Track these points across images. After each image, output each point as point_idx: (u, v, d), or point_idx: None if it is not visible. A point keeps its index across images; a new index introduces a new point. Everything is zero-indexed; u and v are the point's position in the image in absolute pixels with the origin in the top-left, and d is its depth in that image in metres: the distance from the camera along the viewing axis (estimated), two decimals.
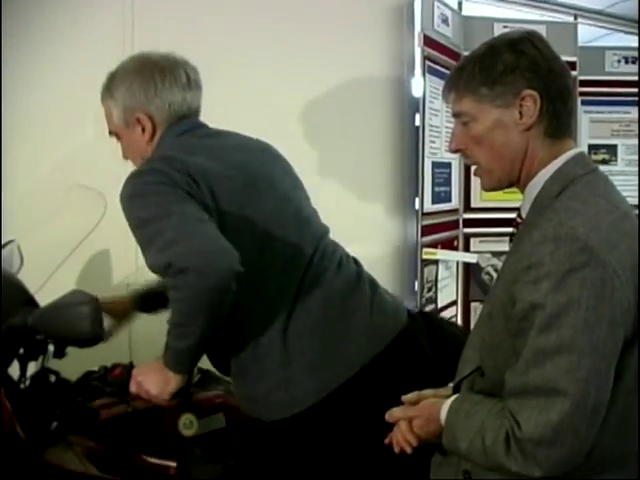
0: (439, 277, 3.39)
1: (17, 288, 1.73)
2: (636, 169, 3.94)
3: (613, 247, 1.19)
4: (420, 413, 1.42)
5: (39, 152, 2.54)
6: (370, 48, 3.19)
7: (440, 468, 1.45)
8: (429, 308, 3.27)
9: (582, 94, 3.89)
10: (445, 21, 3.35)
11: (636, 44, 3.93)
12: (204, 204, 1.63)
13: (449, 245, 3.53)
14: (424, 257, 3.21)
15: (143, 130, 1.80)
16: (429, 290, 3.28)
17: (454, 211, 3.62)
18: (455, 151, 1.42)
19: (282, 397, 1.72)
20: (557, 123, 1.31)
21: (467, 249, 3.64)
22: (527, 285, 1.20)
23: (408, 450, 1.42)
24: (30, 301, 1.74)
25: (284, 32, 2.94)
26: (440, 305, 3.42)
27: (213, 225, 1.59)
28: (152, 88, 1.78)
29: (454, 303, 3.60)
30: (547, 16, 3.97)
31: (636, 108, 3.93)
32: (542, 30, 3.59)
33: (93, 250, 2.53)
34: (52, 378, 1.80)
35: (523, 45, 1.30)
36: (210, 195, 1.65)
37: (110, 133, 1.88)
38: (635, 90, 3.90)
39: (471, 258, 3.50)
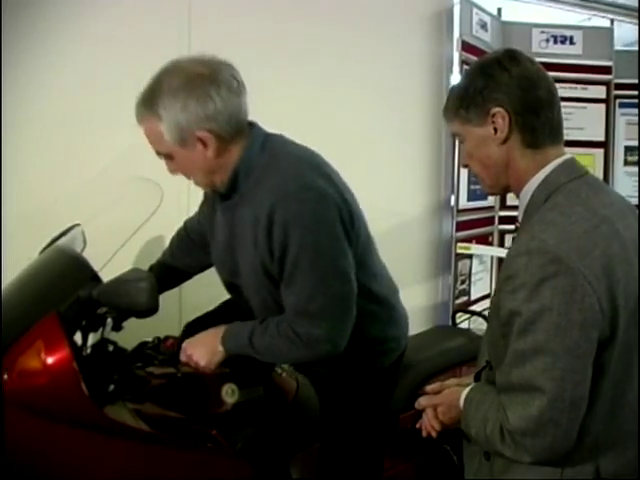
0: (473, 271, 3.56)
1: (83, 265, 1.93)
2: None
3: (585, 254, 1.30)
4: (443, 401, 1.61)
5: (102, 145, 2.74)
6: (411, 53, 3.37)
7: (468, 449, 1.62)
8: (462, 300, 3.43)
9: (618, 97, 4.01)
10: (484, 27, 3.51)
11: None
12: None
13: (484, 240, 3.69)
14: (458, 251, 3.38)
15: (205, 147, 1.72)
16: (462, 283, 3.45)
17: (490, 208, 3.77)
18: (464, 166, 1.60)
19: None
20: (532, 134, 1.43)
21: (502, 245, 3.79)
22: (507, 294, 1.35)
23: (433, 434, 1.62)
24: (95, 277, 1.94)
25: (332, 38, 3.13)
26: (473, 298, 3.58)
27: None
28: (210, 103, 1.68)
29: (487, 296, 3.75)
30: (586, 17, 4.07)
31: None
32: (579, 35, 3.75)
33: (148, 236, 2.72)
34: (110, 347, 2.00)
35: (491, 69, 1.44)
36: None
37: (158, 153, 1.80)
38: None
39: (504, 253, 3.63)
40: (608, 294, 1.31)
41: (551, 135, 1.45)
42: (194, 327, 2.08)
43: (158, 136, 1.73)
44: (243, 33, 2.94)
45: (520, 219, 1.49)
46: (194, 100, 1.67)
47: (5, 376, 1.75)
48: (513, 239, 1.57)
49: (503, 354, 1.38)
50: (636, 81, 4.05)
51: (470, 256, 3.50)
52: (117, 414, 1.87)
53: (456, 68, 3.39)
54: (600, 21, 4.07)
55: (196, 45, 2.77)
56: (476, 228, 3.61)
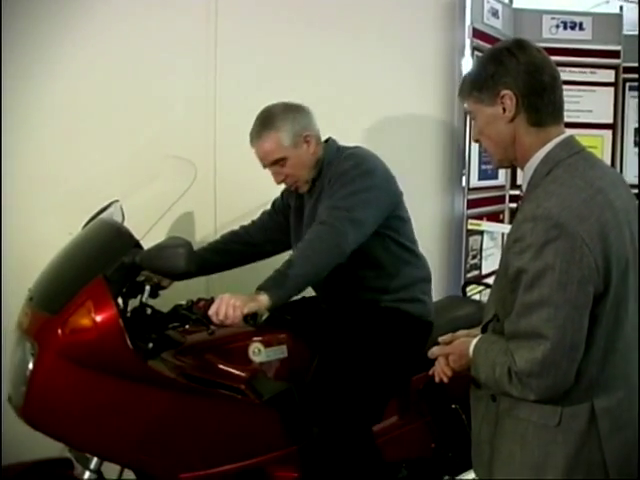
0: (484, 247, 3.73)
1: (127, 234, 2.13)
2: None
3: (583, 220, 1.49)
4: (454, 350, 1.79)
5: (138, 126, 2.91)
6: (425, 38, 3.49)
7: (476, 393, 1.81)
8: (473, 274, 3.62)
9: (627, 80, 4.12)
10: (495, 14, 3.66)
11: None
12: None
13: (495, 218, 3.87)
14: (469, 228, 3.57)
15: (308, 145, 2.43)
16: (474, 257, 3.63)
17: (501, 187, 3.94)
18: (475, 141, 1.80)
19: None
20: (537, 114, 1.63)
21: (512, 222, 3.94)
22: (515, 255, 1.54)
23: (445, 380, 1.81)
24: (137, 244, 2.15)
25: (345, 28, 3.28)
26: (484, 272, 3.76)
27: None
28: (307, 116, 2.46)
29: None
30: (596, 3, 4.20)
31: None
32: (588, 22, 3.90)
33: (180, 212, 2.92)
34: (148, 311, 2.19)
35: (501, 56, 1.64)
36: None
37: (274, 163, 2.42)
38: None
39: None
40: (602, 255, 1.51)
41: (553, 115, 1.65)
42: None
43: (276, 146, 2.40)
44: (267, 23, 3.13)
45: (524, 189, 1.69)
46: (299, 114, 2.44)
47: (59, 331, 1.97)
48: (516, 208, 1.76)
49: (510, 307, 1.57)
50: None
51: (481, 232, 3.68)
52: (157, 368, 2.09)
53: (467, 53, 3.52)
54: (609, 7, 4.19)
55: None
56: (487, 206, 3.78)
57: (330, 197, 2.32)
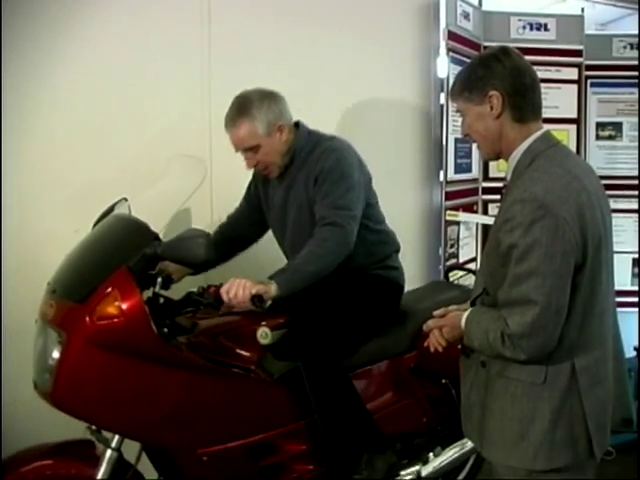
0: (461, 236, 3.95)
1: (145, 228, 2.27)
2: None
3: (564, 202, 1.71)
4: (447, 322, 2.00)
5: (139, 126, 3.04)
6: (402, 41, 3.71)
7: (465, 362, 2.02)
8: (451, 262, 3.83)
9: (589, 77, 4.37)
10: (467, 17, 3.86)
11: None
12: None
13: (470, 209, 4.07)
14: (447, 218, 3.78)
15: (281, 134, 2.56)
16: (452, 247, 3.85)
17: (474, 180, 4.15)
18: (464, 135, 2.01)
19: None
20: (520, 111, 1.86)
21: (485, 213, 4.17)
22: (506, 232, 1.76)
23: (440, 349, 2.00)
24: (156, 237, 2.29)
25: (330, 28, 3.46)
26: (462, 260, 3.98)
27: None
28: (281, 105, 2.58)
29: (474, 259, 4.15)
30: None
31: None
32: (552, 22, 4.14)
33: (177, 209, 3.02)
34: (161, 300, 2.33)
35: (489, 61, 1.87)
36: None
37: (248, 150, 2.54)
38: None
39: (488, 220, 3.96)
40: (580, 232, 1.73)
41: (533, 112, 1.88)
42: None
43: (250, 132, 2.51)
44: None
45: (508, 178, 1.91)
46: (274, 103, 2.56)
47: (87, 319, 2.11)
48: (502, 195, 1.99)
49: (500, 280, 1.79)
50: (604, 62, 4.42)
51: (458, 223, 3.89)
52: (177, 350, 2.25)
53: (443, 53, 3.73)
54: (571, 8, 4.42)
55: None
56: (463, 198, 3.98)
57: (327, 195, 2.50)
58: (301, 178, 2.60)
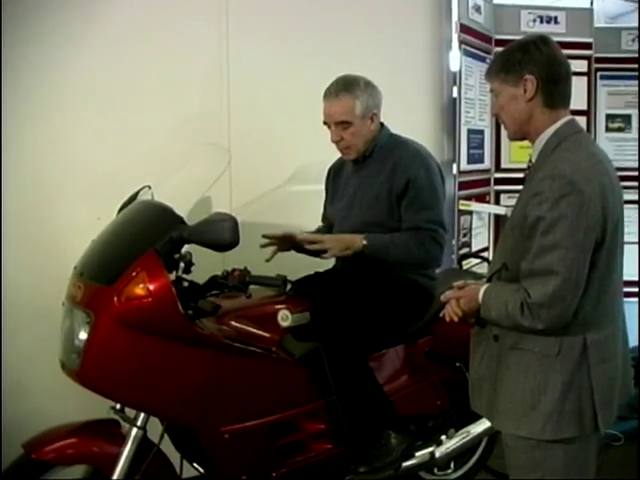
0: (473, 225, 4.01)
1: (171, 212, 2.32)
2: None
3: (589, 181, 1.81)
4: (465, 294, 2.05)
5: (159, 114, 3.09)
6: (414, 34, 3.76)
7: (478, 336, 2.09)
8: (464, 251, 3.89)
9: (598, 70, 4.44)
10: (478, 10, 3.93)
11: None
12: None
13: (482, 199, 4.14)
14: (460, 208, 3.85)
15: (372, 122, 2.72)
16: (464, 235, 3.91)
17: (486, 171, 4.22)
18: (494, 115, 2.08)
19: None
20: (551, 97, 1.94)
21: (497, 203, 4.24)
22: (534, 206, 1.84)
23: (455, 319, 2.05)
24: (182, 221, 2.31)
25: (343, 23, 3.52)
26: (474, 249, 4.04)
27: None
28: (380, 98, 2.76)
29: (486, 249, 4.21)
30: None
31: None
32: (562, 15, 4.19)
33: (198, 196, 3.07)
34: (185, 284, 2.37)
35: (527, 46, 1.94)
36: None
37: (339, 123, 2.67)
38: None
39: (500, 210, 4.09)
40: (602, 211, 1.82)
41: (563, 100, 1.97)
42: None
43: (350, 108, 2.67)
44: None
45: (534, 159, 1.99)
46: (375, 93, 2.75)
47: (115, 300, 2.17)
48: (527, 175, 2.07)
49: (523, 253, 1.86)
50: (613, 55, 4.50)
51: (470, 212, 3.96)
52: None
53: (455, 47, 3.80)
54: (581, 1, 4.47)
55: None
56: (475, 188, 4.05)
57: (425, 207, 2.70)
58: (381, 171, 2.74)
